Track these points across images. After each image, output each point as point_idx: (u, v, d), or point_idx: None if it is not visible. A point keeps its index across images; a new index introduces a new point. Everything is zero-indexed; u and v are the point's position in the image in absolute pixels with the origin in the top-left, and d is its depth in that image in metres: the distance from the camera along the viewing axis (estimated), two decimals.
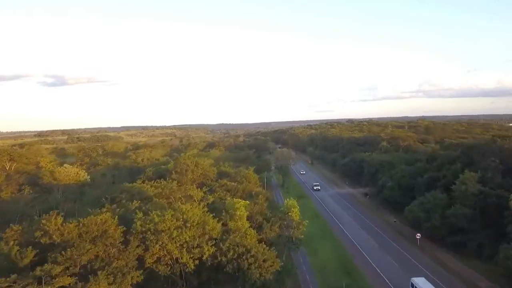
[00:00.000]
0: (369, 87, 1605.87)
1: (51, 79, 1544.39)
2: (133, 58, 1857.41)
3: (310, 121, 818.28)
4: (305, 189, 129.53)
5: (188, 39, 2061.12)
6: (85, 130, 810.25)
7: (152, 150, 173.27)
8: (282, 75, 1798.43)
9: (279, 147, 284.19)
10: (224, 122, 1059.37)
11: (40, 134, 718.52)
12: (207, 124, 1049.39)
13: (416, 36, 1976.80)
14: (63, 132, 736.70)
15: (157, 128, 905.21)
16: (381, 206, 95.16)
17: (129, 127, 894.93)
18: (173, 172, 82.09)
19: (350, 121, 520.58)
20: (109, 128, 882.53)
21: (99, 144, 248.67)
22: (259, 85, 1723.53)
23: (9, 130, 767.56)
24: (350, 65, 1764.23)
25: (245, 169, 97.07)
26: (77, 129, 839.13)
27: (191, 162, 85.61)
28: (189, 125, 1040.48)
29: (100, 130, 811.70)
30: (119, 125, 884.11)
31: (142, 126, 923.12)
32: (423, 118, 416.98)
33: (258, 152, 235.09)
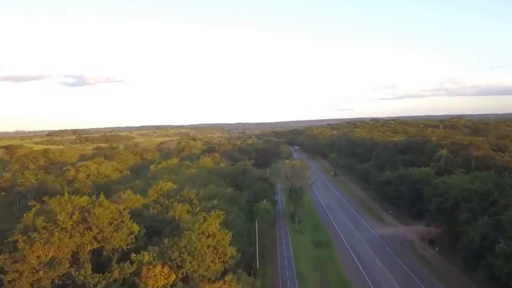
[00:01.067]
0: (388, 85, 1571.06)
1: (72, 79, 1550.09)
2: (151, 57, 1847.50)
3: (329, 120, 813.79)
4: (326, 221, 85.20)
5: (207, 39, 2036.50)
6: (99, 130, 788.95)
7: (109, 162, 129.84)
8: (300, 74, 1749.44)
9: (294, 149, 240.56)
10: (242, 122, 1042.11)
11: (51, 133, 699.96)
12: (225, 124, 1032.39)
13: (436, 34, 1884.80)
14: (75, 131, 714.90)
15: (173, 127, 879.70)
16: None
17: (147, 126, 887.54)
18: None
19: (375, 120, 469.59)
20: (128, 127, 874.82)
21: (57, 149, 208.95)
22: (278, 84, 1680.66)
23: (31, 130, 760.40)
24: (369, 64, 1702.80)
25: (220, 210, 52.70)
26: (94, 128, 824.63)
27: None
28: (207, 124, 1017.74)
29: (118, 129, 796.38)
30: (137, 125, 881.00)
31: (159, 126, 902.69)
32: (447, 117, 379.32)
33: (267, 157, 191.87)
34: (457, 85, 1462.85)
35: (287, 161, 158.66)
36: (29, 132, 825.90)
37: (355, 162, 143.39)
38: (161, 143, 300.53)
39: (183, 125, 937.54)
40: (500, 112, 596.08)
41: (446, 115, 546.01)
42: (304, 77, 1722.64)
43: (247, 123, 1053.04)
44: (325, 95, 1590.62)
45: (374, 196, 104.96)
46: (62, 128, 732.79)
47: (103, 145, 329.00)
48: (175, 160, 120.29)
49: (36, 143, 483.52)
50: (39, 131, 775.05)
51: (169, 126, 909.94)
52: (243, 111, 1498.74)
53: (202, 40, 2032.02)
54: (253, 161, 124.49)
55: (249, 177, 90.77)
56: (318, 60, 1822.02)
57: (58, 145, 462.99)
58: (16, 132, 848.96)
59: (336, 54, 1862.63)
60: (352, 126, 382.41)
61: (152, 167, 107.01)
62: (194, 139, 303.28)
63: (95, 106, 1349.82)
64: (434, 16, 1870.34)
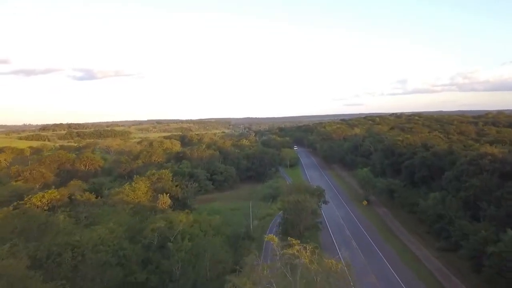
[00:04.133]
0: (398, 80, 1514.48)
1: (80, 72, 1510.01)
2: (159, 51, 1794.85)
3: (339, 115, 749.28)
4: None
5: (215, 31, 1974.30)
6: (97, 124, 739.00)
7: None
8: (308, 68, 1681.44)
9: (295, 148, 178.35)
10: (250, 116, 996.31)
11: (45, 127, 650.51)
12: (233, 118, 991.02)
13: (447, 29, 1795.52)
14: (70, 125, 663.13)
15: (178, 122, 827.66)
16: None
17: (155, 120, 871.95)
18: None
19: (396, 115, 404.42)
20: (136, 121, 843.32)
21: None
22: (287, 78, 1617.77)
23: (39, 123, 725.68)
24: (379, 58, 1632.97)
25: None
26: (97, 122, 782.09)
27: None
28: (215, 118, 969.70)
29: (123, 123, 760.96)
30: (145, 118, 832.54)
31: (168, 120, 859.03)
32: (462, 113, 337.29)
33: (263, 166, 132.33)
34: (469, 80, 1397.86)
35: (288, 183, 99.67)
36: (37, 125, 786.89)
37: (406, 187, 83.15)
38: (140, 141, 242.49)
39: (191, 119, 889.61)
40: None
41: (459, 111, 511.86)
42: (312, 71, 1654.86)
43: (256, 117, 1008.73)
44: (333, 89, 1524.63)
45: (472, 277, 44.65)
46: (69, 122, 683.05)
47: (71, 144, 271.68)
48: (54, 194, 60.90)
49: (21, 138, 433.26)
50: (46, 125, 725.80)
51: (177, 120, 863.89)
52: (251, 105, 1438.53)
53: (210, 33, 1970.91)
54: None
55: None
56: (326, 54, 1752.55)
57: (44, 140, 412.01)
58: (24, 125, 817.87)
59: (345, 48, 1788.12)
60: (370, 122, 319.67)
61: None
62: (173, 139, 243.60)
63: (103, 99, 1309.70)
64: (445, 12, 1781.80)
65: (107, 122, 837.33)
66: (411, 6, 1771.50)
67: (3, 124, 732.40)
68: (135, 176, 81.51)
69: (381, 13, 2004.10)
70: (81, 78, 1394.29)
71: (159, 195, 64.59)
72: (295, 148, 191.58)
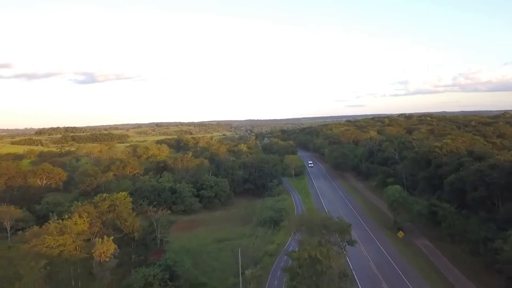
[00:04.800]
0: (400, 81, 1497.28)
1: (82, 76, 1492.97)
2: (161, 54, 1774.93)
3: (342, 116, 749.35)
4: None
5: (215, 34, 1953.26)
6: (94, 127, 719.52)
7: None
8: (310, 69, 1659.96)
9: (310, 165, 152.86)
10: (253, 118, 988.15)
11: (41, 131, 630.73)
12: (235, 120, 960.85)
13: (449, 29, 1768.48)
14: (67, 129, 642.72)
15: (179, 124, 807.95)
16: None
17: (156, 123, 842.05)
18: None
19: (405, 116, 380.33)
20: (136, 124, 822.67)
21: None
22: (289, 80, 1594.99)
23: (40, 127, 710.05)
24: (380, 58, 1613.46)
25: None
26: (98, 126, 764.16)
27: None
28: (217, 121, 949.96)
29: (123, 127, 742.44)
30: (146, 121, 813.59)
31: (170, 123, 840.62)
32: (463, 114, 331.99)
33: (263, 177, 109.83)
34: (471, 81, 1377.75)
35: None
36: (37, 129, 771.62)
37: (457, 212, 59.83)
38: (130, 146, 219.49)
39: (193, 122, 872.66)
40: None
41: (462, 112, 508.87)
42: (314, 73, 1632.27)
43: (258, 119, 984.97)
44: (335, 91, 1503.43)
45: None
46: (67, 125, 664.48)
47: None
48: None
49: (13, 143, 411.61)
50: (42, 128, 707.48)
51: (179, 123, 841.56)
52: (253, 107, 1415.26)
53: (212, 35, 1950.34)
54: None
55: None
56: (327, 55, 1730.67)
57: (37, 145, 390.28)
58: (26, 129, 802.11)
59: (347, 50, 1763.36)
60: (379, 123, 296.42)
61: None
62: (164, 143, 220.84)
63: (104, 103, 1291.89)
64: (446, 12, 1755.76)
65: (109, 125, 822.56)
66: (413, 6, 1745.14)
67: (5, 128, 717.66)
68: (98, 195, 58.39)
69: (382, 14, 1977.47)
70: (82, 82, 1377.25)
71: (96, 239, 41.38)
72: (308, 161, 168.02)
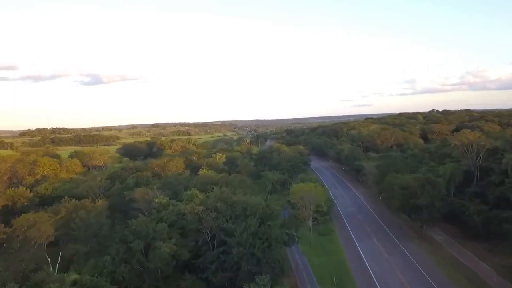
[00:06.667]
0: (407, 80, 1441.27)
1: (87, 78, 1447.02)
2: (164, 55, 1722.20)
3: (349, 116, 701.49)
4: None
5: (221, 34, 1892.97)
6: (85, 129, 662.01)
7: None
8: (316, 69, 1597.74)
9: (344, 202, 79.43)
10: (259, 118, 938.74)
11: (25, 133, 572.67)
12: (241, 120, 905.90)
13: (456, 28, 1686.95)
14: (54, 130, 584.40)
15: (178, 125, 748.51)
16: None
17: (163, 124, 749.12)
18: None
19: (438, 111, 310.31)
20: (142, 125, 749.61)
21: None
22: (293, 79, 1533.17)
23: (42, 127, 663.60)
24: (386, 58, 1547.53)
25: None
26: (97, 126, 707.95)
27: None
28: (221, 121, 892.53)
29: (126, 127, 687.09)
30: (150, 122, 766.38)
31: (176, 123, 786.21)
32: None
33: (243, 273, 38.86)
34: (480, 79, 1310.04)
35: None
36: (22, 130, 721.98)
37: None
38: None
39: (197, 122, 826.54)
40: None
41: (469, 110, 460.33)
42: (319, 72, 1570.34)
43: (263, 119, 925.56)
44: (341, 90, 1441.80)
45: None
46: (66, 127, 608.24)
47: None
48: None
49: None
50: (27, 130, 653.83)
51: (178, 123, 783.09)
52: (259, 107, 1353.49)
53: (218, 35, 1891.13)
54: None
55: None
56: (333, 54, 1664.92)
57: (6, 148, 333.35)
58: (25, 131, 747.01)
59: (353, 49, 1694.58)
60: (413, 120, 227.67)
61: None
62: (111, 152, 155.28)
63: (108, 104, 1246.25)
64: (453, 11, 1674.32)
65: (112, 126, 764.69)
66: (420, 6, 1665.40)
67: (10, 130, 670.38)
68: None
69: (388, 13, 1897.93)
70: (88, 83, 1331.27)
71: None
72: (335, 186, 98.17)
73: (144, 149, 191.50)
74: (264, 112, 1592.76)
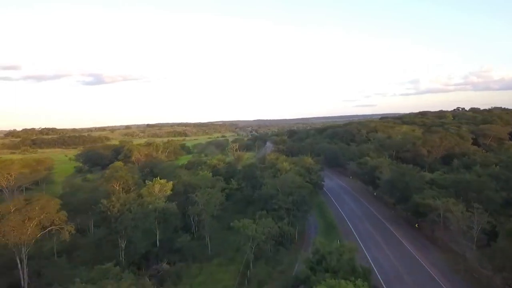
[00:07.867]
0: (410, 80, 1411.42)
1: (89, 77, 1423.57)
2: (166, 55, 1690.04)
3: (352, 116, 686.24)
4: None
5: (223, 34, 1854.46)
6: (88, 129, 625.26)
7: None
8: (318, 69, 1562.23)
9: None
10: (261, 118, 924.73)
11: (10, 133, 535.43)
12: (243, 120, 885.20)
13: (459, 28, 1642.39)
14: (42, 131, 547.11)
15: (174, 125, 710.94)
16: None
17: (163, 124, 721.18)
18: None
19: (474, 110, 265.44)
20: (144, 125, 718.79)
21: None
22: (296, 79, 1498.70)
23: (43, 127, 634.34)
24: (389, 58, 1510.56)
25: None
26: (99, 127, 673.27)
27: None
28: (223, 121, 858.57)
29: (126, 128, 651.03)
30: (152, 122, 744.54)
31: (178, 123, 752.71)
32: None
33: None
34: (483, 79, 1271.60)
35: None
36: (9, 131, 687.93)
37: None
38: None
39: (199, 122, 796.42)
40: None
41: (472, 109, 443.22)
42: (322, 73, 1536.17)
43: (266, 119, 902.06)
44: (343, 91, 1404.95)
45: None
46: (43, 127, 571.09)
47: None
48: None
49: None
50: (13, 130, 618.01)
51: (175, 123, 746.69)
52: (262, 107, 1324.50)
53: (220, 35, 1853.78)
54: None
55: None
56: (336, 55, 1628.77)
57: None
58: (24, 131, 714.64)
59: (355, 49, 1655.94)
60: (437, 119, 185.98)
61: None
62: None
63: (111, 104, 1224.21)
64: (456, 11, 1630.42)
65: (112, 126, 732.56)
66: (419, 6, 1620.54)
67: (11, 129, 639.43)
68: None
69: (392, 14, 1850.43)
70: (90, 83, 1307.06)
71: None
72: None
73: (108, 156, 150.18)
74: (266, 112, 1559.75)
